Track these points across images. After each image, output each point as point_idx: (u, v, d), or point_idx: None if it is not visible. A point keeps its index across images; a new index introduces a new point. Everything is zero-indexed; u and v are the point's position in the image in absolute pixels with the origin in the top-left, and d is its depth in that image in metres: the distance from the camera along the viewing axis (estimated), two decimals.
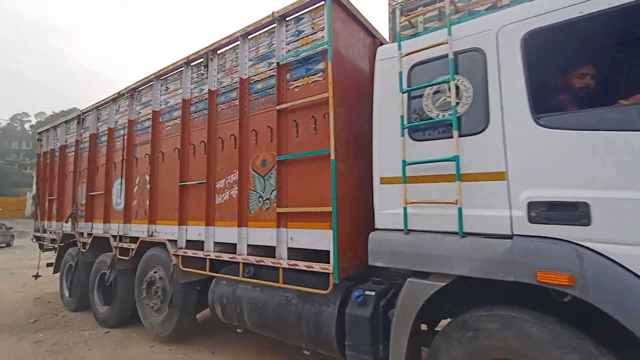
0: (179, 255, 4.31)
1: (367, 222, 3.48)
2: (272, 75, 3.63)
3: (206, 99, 4.31)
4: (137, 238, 5.05)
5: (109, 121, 6.01)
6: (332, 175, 2.95)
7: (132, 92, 5.55)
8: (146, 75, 5.31)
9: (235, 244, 3.78)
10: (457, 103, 2.44)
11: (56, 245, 7.52)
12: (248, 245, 3.64)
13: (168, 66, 4.87)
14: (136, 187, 5.28)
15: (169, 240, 4.49)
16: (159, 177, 4.89)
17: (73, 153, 6.98)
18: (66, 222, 6.54)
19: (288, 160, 3.36)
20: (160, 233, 4.73)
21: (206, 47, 4.32)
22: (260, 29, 3.77)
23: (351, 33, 3.46)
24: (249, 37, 3.90)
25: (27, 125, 67.88)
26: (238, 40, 3.97)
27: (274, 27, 3.62)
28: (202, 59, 4.42)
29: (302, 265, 3.09)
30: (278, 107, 3.43)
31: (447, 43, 2.48)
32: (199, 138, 4.32)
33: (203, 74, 4.43)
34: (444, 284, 2.32)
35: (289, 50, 3.51)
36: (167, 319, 4.46)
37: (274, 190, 3.46)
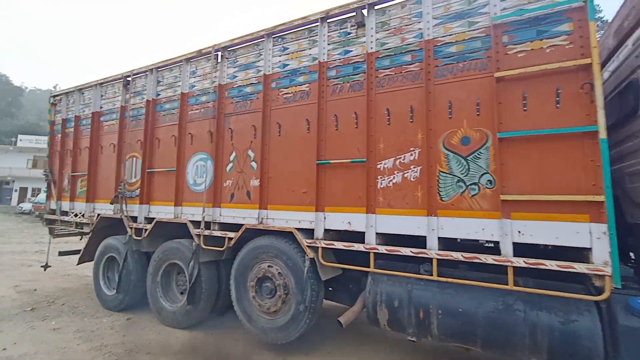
0: (317, 248, 3.59)
1: None
2: (475, 37, 3.04)
3: (357, 62, 3.61)
4: (235, 225, 4.23)
5: (181, 85, 5.02)
6: (602, 157, 2.45)
7: (223, 52, 4.64)
8: (249, 32, 4.45)
9: (404, 235, 3.22)
10: None
11: (80, 230, 6.34)
12: (439, 238, 3.04)
13: (291, 21, 4.07)
14: (231, 165, 4.41)
15: (297, 229, 3.74)
16: (271, 153, 4.09)
17: (113, 122, 5.85)
18: (111, 203, 5.41)
19: (511, 138, 2.80)
20: (277, 220, 3.94)
21: (359, 0, 3.60)
22: None
23: None
24: None
25: None
26: None
27: None
28: (351, 14, 3.69)
29: (551, 265, 2.55)
30: (498, 75, 2.86)
31: None
32: (347, 108, 3.60)
33: (350, 33, 3.71)
34: None
35: (504, 8, 2.94)
36: (293, 323, 3.69)
37: (485, 173, 2.88)
